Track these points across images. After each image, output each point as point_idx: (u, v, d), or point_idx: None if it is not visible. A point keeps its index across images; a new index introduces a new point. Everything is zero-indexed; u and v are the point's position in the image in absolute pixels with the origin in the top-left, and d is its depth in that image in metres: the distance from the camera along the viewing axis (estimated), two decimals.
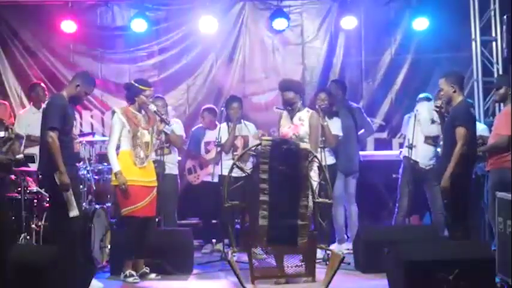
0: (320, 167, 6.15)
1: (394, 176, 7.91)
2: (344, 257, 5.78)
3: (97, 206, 7.10)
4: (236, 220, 6.96)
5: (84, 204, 7.08)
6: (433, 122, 7.37)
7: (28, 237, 6.61)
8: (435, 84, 7.10)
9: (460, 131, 6.11)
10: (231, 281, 6.37)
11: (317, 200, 5.93)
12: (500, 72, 8.65)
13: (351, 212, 7.84)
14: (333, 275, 5.70)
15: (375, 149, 9.24)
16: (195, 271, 6.88)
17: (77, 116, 8.52)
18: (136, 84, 6.52)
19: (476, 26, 8.85)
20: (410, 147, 7.31)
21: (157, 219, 7.09)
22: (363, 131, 8.22)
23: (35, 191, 6.83)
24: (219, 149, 7.54)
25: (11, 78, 9.17)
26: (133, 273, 6.43)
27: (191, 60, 9.35)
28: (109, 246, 6.98)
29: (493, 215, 6.35)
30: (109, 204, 7.49)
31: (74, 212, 5.83)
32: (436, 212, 7.42)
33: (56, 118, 5.84)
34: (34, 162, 6.41)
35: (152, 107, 6.60)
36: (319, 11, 9.38)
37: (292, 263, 6.09)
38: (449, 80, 6.31)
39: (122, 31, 9.28)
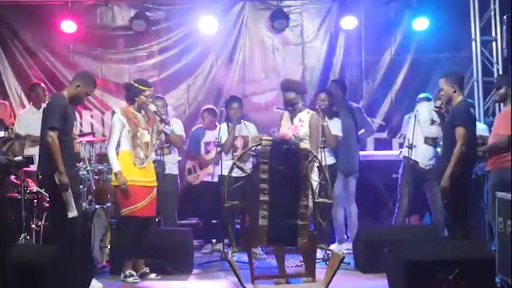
0: (320, 167, 6.15)
1: (394, 176, 7.91)
2: (344, 257, 5.77)
3: (97, 206, 7.10)
4: (236, 220, 6.95)
5: (84, 204, 7.08)
6: (433, 122, 7.37)
7: (28, 237, 6.61)
8: (435, 84, 7.09)
9: (460, 131, 6.11)
10: (231, 281, 6.37)
11: (317, 200, 5.93)
12: (500, 72, 8.65)
13: (350, 212, 7.84)
14: (333, 275, 5.70)
15: (375, 149, 9.25)
16: (195, 271, 6.88)
17: (77, 116, 8.51)
18: (136, 85, 6.52)
19: (476, 26, 8.85)
20: (410, 147, 7.31)
21: (157, 219, 7.09)
22: (363, 131, 8.23)
23: (35, 191, 6.83)
24: (219, 149, 7.54)
25: (11, 78, 9.18)
26: (133, 273, 6.43)
27: (191, 60, 9.35)
28: (109, 246, 6.98)
29: (493, 215, 6.35)
30: (109, 204, 7.49)
31: (73, 213, 5.83)
32: (436, 212, 7.41)
33: (56, 118, 5.83)
34: (33, 163, 6.41)
35: (152, 107, 6.60)
36: (319, 11, 9.39)
37: (292, 263, 6.09)
38: (449, 80, 6.31)
39: (122, 31, 9.28)
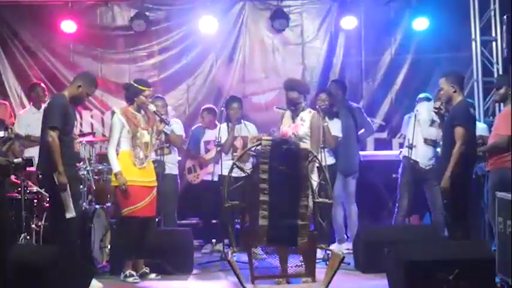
0: (320, 167, 6.15)
1: (394, 176, 7.91)
2: (344, 257, 5.77)
3: (97, 206, 7.10)
4: (236, 220, 6.96)
5: (84, 204, 7.08)
6: (433, 122, 7.36)
7: (28, 237, 6.60)
8: (435, 84, 7.09)
9: (459, 131, 6.11)
10: (231, 281, 6.37)
11: (317, 200, 5.93)
12: (500, 72, 8.65)
13: (350, 212, 7.84)
14: (333, 275, 5.70)
15: (375, 149, 9.25)
16: (195, 271, 6.88)
17: (77, 116, 8.51)
18: (135, 85, 6.51)
19: (476, 26, 8.85)
20: (410, 147, 7.32)
21: (157, 219, 7.09)
22: (363, 130, 8.22)
23: (35, 191, 6.82)
24: (219, 149, 7.53)
25: (11, 78, 9.18)
26: (133, 273, 6.43)
27: (191, 60, 9.36)
28: (109, 246, 6.98)
29: (493, 215, 6.35)
30: (109, 204, 7.49)
31: (70, 214, 5.83)
32: (436, 212, 7.41)
33: (56, 118, 5.84)
34: (33, 165, 6.41)
35: (152, 107, 6.60)
36: (319, 11, 9.39)
37: (292, 263, 6.09)
38: (449, 80, 6.31)
39: (122, 31, 9.28)
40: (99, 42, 9.28)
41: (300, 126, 6.54)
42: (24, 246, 6.24)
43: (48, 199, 6.47)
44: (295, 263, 6.09)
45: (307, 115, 6.58)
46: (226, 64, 9.37)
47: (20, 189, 6.66)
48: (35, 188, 6.83)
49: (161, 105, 7.31)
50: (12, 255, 5.37)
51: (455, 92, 6.28)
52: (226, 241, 7.29)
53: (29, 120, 7.95)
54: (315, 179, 6.12)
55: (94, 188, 7.50)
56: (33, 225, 6.70)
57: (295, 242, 5.79)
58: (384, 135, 9.33)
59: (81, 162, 7.28)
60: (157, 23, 9.29)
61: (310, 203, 5.88)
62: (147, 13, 9.06)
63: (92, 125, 9.25)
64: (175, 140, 7.59)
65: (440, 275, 5.29)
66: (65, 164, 5.82)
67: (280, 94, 8.98)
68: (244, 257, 6.27)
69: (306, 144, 6.27)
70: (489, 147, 6.74)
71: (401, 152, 7.89)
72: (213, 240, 8.14)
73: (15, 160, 6.37)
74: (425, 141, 7.46)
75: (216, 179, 7.67)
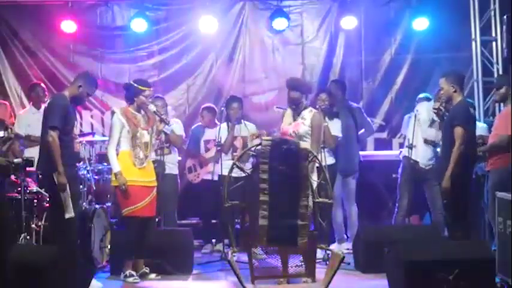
0: (320, 167, 6.16)
1: (394, 176, 7.91)
2: (344, 257, 5.77)
3: (97, 206, 7.10)
4: (236, 220, 6.96)
5: (84, 204, 7.09)
6: (433, 121, 7.35)
7: (28, 237, 6.60)
8: (435, 84, 7.10)
9: (458, 131, 6.11)
10: (231, 281, 6.37)
11: (317, 200, 5.93)
12: (500, 72, 8.65)
13: (350, 212, 7.84)
14: (333, 275, 5.70)
15: (375, 149, 9.24)
16: (195, 271, 6.88)
17: (77, 116, 8.51)
18: (135, 85, 6.51)
19: (476, 26, 8.84)
20: (411, 147, 7.32)
21: (157, 219, 7.09)
22: (363, 130, 8.22)
23: (35, 191, 6.82)
24: (218, 149, 7.53)
25: (11, 78, 9.17)
26: (133, 273, 6.43)
27: (191, 60, 9.35)
28: (109, 246, 6.98)
29: (493, 215, 6.35)
30: (109, 204, 7.49)
31: (70, 214, 5.83)
32: (436, 212, 7.41)
33: (57, 117, 5.84)
34: (33, 166, 6.41)
35: (151, 107, 6.60)
36: (319, 11, 9.38)
37: (292, 263, 6.09)
38: (449, 80, 6.31)
39: (122, 31, 9.28)
40: (99, 42, 9.28)
41: (300, 125, 6.57)
42: (24, 246, 6.24)
43: (48, 199, 6.47)
44: (295, 263, 6.09)
45: (308, 114, 6.61)
46: (226, 64, 9.37)
47: (20, 189, 6.66)
48: (35, 188, 6.83)
49: (161, 105, 7.31)
50: (12, 255, 5.37)
51: (455, 91, 6.28)
52: (226, 241, 7.29)
53: (29, 120, 7.95)
54: (314, 179, 6.12)
55: (94, 188, 7.50)
56: (33, 225, 6.70)
57: (295, 242, 5.79)
58: (383, 135, 9.32)
59: (81, 162, 7.28)
60: (157, 23, 9.29)
61: (310, 203, 5.88)
62: (147, 13, 9.05)
63: (92, 125, 9.24)
64: (175, 140, 7.58)
65: (440, 275, 5.30)
66: (64, 164, 5.83)
67: (280, 94, 9.01)
68: (244, 257, 6.27)
69: (306, 143, 6.28)
70: (489, 147, 6.74)
71: (401, 152, 7.89)
72: (213, 240, 8.14)
73: (15, 160, 6.38)
74: (425, 141, 7.46)
75: (216, 178, 7.68)
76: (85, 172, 7.35)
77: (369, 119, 8.44)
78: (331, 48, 9.36)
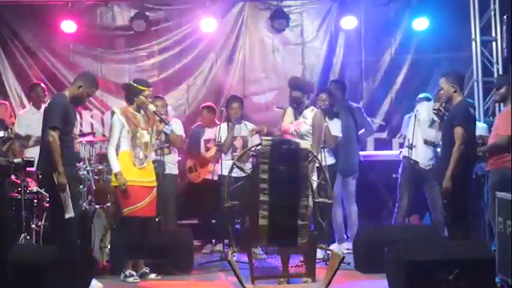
0: (320, 167, 6.16)
1: (394, 176, 7.91)
2: (344, 257, 5.77)
3: (97, 206, 7.10)
4: (236, 220, 6.96)
5: (84, 204, 7.08)
6: (433, 122, 7.35)
7: (28, 237, 6.60)
8: (435, 84, 7.10)
9: (458, 131, 6.11)
10: (231, 281, 6.37)
11: (317, 200, 5.93)
12: (500, 72, 8.65)
13: (351, 212, 7.84)
14: (333, 275, 5.70)
15: (375, 149, 9.25)
16: (195, 271, 6.88)
17: (77, 116, 8.50)
18: (135, 85, 6.51)
19: (476, 26, 8.84)
20: (411, 147, 7.32)
21: (157, 219, 7.09)
22: (363, 130, 8.22)
23: (35, 191, 6.82)
24: (218, 149, 7.53)
25: (11, 78, 9.18)
26: (133, 273, 6.43)
27: (191, 60, 9.35)
28: (109, 246, 6.98)
29: (493, 215, 6.35)
30: (109, 204, 7.49)
31: (70, 214, 5.83)
32: (436, 212, 7.41)
33: (57, 118, 5.84)
34: (33, 166, 6.41)
35: (151, 107, 6.60)
36: (319, 11, 9.39)
37: (292, 263, 6.10)
38: (449, 80, 6.31)
39: (122, 31, 9.29)
40: (99, 42, 9.28)
41: (302, 124, 6.60)
42: (24, 246, 6.24)
43: (48, 199, 6.47)
44: (295, 263, 6.09)
45: (309, 113, 6.65)
46: (226, 64, 9.37)
47: (20, 189, 6.66)
48: (35, 188, 6.82)
49: (161, 105, 7.31)
50: (12, 255, 5.38)
51: (455, 91, 6.28)
52: (226, 241, 7.29)
53: (29, 120, 7.94)
54: (315, 179, 6.12)
55: (94, 188, 7.49)
56: (33, 225, 6.70)
57: (295, 242, 5.79)
58: (383, 135, 9.32)
59: (81, 162, 7.28)
60: (157, 23, 9.29)
61: (310, 203, 5.88)
62: (147, 13, 9.06)
63: (92, 125, 9.24)
64: (175, 140, 7.58)
65: (440, 275, 5.29)
66: (64, 164, 5.83)
67: (280, 94, 9.04)
68: (244, 257, 6.27)
69: (307, 142, 6.29)
70: (489, 147, 6.74)
71: (401, 152, 7.89)
72: (213, 240, 8.14)
73: (15, 160, 6.38)
74: (425, 141, 7.46)
75: (216, 178, 7.68)
76: (85, 172, 7.34)
77: (369, 119, 8.44)
78: (331, 48, 9.36)
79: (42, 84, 8.34)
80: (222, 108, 7.87)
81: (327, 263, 6.54)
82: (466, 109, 6.27)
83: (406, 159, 7.44)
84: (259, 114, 9.02)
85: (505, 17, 8.56)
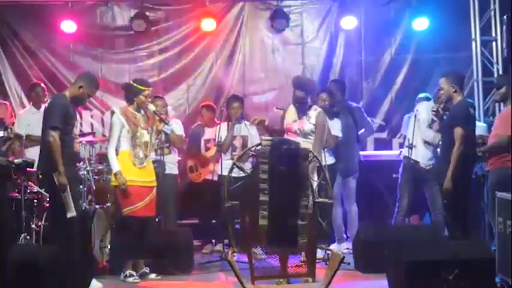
0: (320, 167, 6.16)
1: (394, 176, 7.91)
2: (344, 257, 5.77)
3: (97, 206, 7.10)
4: (236, 220, 6.96)
5: (84, 204, 7.08)
6: (432, 121, 7.34)
7: (28, 237, 6.60)
8: (435, 84, 7.10)
9: (458, 131, 6.11)
10: (231, 281, 6.37)
11: (317, 200, 5.93)
12: (500, 72, 8.65)
13: (351, 211, 7.84)
14: (333, 275, 5.70)
15: (375, 149, 9.25)
16: (195, 271, 6.88)
17: (77, 116, 8.50)
18: (135, 84, 6.52)
19: (476, 26, 8.85)
20: (411, 147, 7.32)
21: (157, 219, 7.09)
22: (363, 130, 8.23)
23: (35, 191, 6.82)
24: (218, 148, 7.52)
25: (11, 78, 9.18)
26: (133, 273, 6.43)
27: (191, 60, 9.35)
28: (109, 246, 6.98)
29: (493, 215, 6.35)
30: (109, 204, 7.48)
31: (71, 213, 5.83)
32: (435, 212, 7.41)
33: (57, 118, 5.84)
34: (33, 167, 6.41)
35: (151, 107, 6.60)
36: (319, 11, 9.39)
37: (292, 263, 6.10)
38: (449, 80, 6.31)
39: (122, 31, 9.29)
40: (99, 42, 9.28)
41: (306, 123, 6.66)
42: (24, 246, 6.24)
43: (48, 199, 6.47)
44: (295, 263, 6.10)
45: (313, 112, 6.72)
46: (226, 64, 9.37)
47: (20, 189, 6.66)
48: (35, 188, 6.82)
49: (161, 105, 7.31)
50: (12, 255, 5.37)
51: (455, 91, 6.29)
52: (226, 241, 7.29)
53: (29, 120, 7.94)
54: (315, 179, 6.13)
55: (94, 188, 7.49)
56: (33, 225, 6.70)
57: (295, 242, 5.79)
58: (383, 135, 9.33)
59: (81, 162, 7.28)
60: (157, 23, 9.29)
61: (310, 203, 5.88)
62: (147, 13, 9.05)
63: (92, 125, 9.25)
64: (175, 140, 7.58)
65: (440, 275, 5.29)
66: (65, 164, 5.82)
67: (280, 94, 9.05)
68: (244, 257, 6.27)
69: (307, 143, 6.30)
70: (489, 147, 6.73)
71: (401, 152, 7.89)
72: (213, 240, 8.13)
73: (16, 161, 6.37)
74: (424, 142, 7.46)
75: (216, 178, 7.67)
76: (85, 172, 7.34)
77: (369, 118, 8.44)
78: (331, 48, 9.36)
79: (42, 84, 8.34)
80: (222, 108, 7.87)
81: (327, 263, 6.54)
82: (466, 109, 6.28)
83: (406, 159, 7.44)
84: (259, 114, 8.95)
85: (505, 17, 8.57)
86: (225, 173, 6.28)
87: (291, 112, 6.82)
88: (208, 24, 8.95)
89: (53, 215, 6.13)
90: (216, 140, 7.50)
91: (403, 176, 7.54)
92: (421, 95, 7.93)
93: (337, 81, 8.42)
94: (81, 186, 7.00)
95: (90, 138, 8.06)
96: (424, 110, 7.44)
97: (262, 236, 5.76)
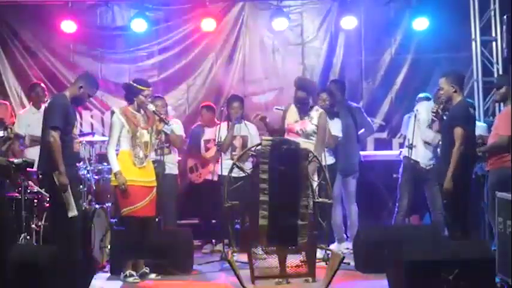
0: (320, 167, 6.16)
1: (394, 176, 7.91)
2: (344, 257, 5.78)
3: (97, 206, 7.10)
4: (236, 220, 6.96)
5: (84, 204, 7.08)
6: (432, 121, 7.34)
7: (28, 237, 6.61)
8: (435, 84, 7.10)
9: (458, 131, 6.11)
10: (231, 281, 6.37)
11: (317, 200, 5.93)
12: (500, 72, 8.66)
13: (351, 211, 7.84)
14: (333, 275, 5.70)
15: (375, 149, 9.25)
16: (195, 271, 6.88)
17: (77, 116, 8.50)
18: (134, 84, 6.52)
19: (476, 26, 8.85)
20: (411, 147, 7.32)
21: (157, 219, 7.09)
22: (363, 130, 8.23)
23: (35, 191, 6.83)
24: (218, 148, 7.53)
25: (11, 78, 9.18)
26: (133, 273, 6.43)
27: (191, 60, 9.36)
28: (109, 246, 6.98)
29: (493, 215, 6.35)
30: (109, 204, 7.49)
31: (73, 213, 5.84)
32: (435, 212, 7.41)
33: (58, 118, 5.84)
34: (33, 167, 6.40)
35: (151, 107, 6.60)
36: (319, 11, 9.39)
37: (293, 263, 6.10)
38: (449, 80, 6.31)
39: (122, 31, 9.29)
40: (99, 42, 9.28)
41: (308, 123, 6.70)
42: (24, 246, 6.24)
43: (48, 199, 6.47)
44: (295, 263, 6.10)
45: (315, 113, 6.76)
46: (226, 64, 9.37)
47: (20, 189, 6.66)
48: (35, 188, 6.83)
49: (161, 105, 7.31)
50: (12, 255, 5.37)
51: (455, 91, 6.29)
52: (226, 241, 7.28)
53: (29, 120, 7.94)
54: (315, 179, 6.13)
55: (94, 188, 7.50)
56: (33, 225, 6.71)
57: (295, 242, 5.80)
58: (383, 135, 9.32)
59: (81, 162, 7.28)
60: (157, 23, 9.29)
61: (310, 203, 5.88)
62: (147, 13, 9.05)
63: (92, 125, 9.25)
64: (175, 140, 7.58)
65: (440, 275, 5.29)
66: (65, 164, 5.82)
67: (280, 94, 9.06)
68: (244, 257, 6.27)
69: (307, 144, 6.30)
70: (489, 147, 6.73)
71: (401, 152, 7.89)
72: (213, 240, 8.14)
73: (16, 161, 6.36)
74: (424, 142, 7.46)
75: (216, 178, 7.68)
76: (85, 172, 7.35)
77: (369, 118, 8.44)
78: (331, 48, 9.36)
79: (42, 84, 8.34)
80: (222, 108, 7.87)
81: (327, 263, 6.53)
82: (466, 109, 6.28)
83: (406, 159, 7.44)
84: None
85: (505, 17, 8.57)
86: (225, 173, 6.29)
87: (292, 112, 6.83)
88: (208, 24, 8.95)
89: (53, 215, 6.14)
90: (216, 140, 7.50)
91: (403, 176, 7.54)
92: (421, 95, 7.93)
93: (337, 81, 8.42)
94: (81, 186, 7.00)
95: (90, 138, 8.06)
96: (424, 110, 7.44)
97: (262, 236, 5.77)
